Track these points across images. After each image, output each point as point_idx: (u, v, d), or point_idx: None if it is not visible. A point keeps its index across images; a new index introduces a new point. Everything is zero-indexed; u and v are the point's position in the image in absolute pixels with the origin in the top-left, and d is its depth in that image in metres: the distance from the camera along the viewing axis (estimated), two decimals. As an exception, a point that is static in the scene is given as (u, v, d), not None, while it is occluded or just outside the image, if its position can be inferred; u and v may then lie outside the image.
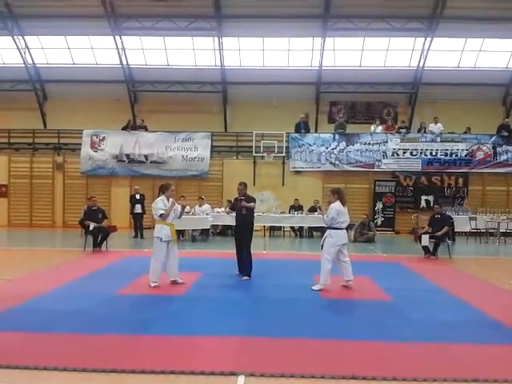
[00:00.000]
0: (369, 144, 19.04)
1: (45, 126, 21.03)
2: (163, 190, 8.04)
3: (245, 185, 9.19)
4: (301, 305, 6.78)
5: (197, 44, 19.90)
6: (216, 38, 19.35)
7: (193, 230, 15.10)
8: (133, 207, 16.19)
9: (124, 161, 19.21)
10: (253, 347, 4.92)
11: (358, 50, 19.87)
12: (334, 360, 4.56)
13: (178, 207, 8.15)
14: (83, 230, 12.82)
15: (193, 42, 19.81)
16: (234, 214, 9.35)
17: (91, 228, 12.13)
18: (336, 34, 19.23)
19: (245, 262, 8.91)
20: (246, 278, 8.77)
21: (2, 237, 16.97)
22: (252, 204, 8.87)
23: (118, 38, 19.38)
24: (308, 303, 6.90)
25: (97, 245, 12.18)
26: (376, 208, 18.72)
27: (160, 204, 7.88)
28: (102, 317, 6.03)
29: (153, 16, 18.74)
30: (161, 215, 7.85)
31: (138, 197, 16.19)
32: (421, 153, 18.98)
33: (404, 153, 18.99)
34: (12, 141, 20.44)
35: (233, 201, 9.56)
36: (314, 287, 7.67)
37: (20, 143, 20.41)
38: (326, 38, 19.16)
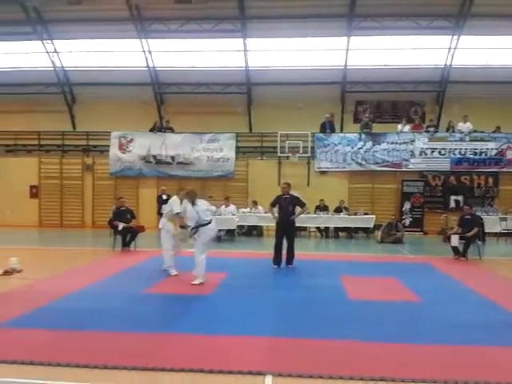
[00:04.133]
0: (396, 143, 18.77)
1: (74, 128, 21.46)
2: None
3: (288, 184, 10.35)
4: (328, 306, 6.75)
5: (221, 45, 20.00)
6: (241, 40, 19.42)
7: (218, 230, 15.13)
8: (160, 207, 16.34)
9: (151, 162, 19.45)
10: (280, 347, 4.92)
11: (383, 49, 19.65)
12: (363, 362, 4.52)
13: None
14: (112, 230, 13.03)
15: (218, 44, 19.91)
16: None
17: (120, 228, 12.33)
18: (361, 33, 19.04)
19: (291, 253, 10.08)
20: (290, 265, 10.02)
21: (33, 236, 17.40)
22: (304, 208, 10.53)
23: (144, 40, 19.64)
24: (335, 304, 6.86)
25: (125, 244, 12.38)
26: (404, 208, 18.46)
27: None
28: (130, 315, 6.12)
29: (178, 18, 18.93)
30: None
31: (164, 197, 16.33)
32: (449, 152, 18.63)
33: (432, 152, 18.67)
34: (42, 143, 20.93)
35: (275, 198, 10.39)
36: (194, 282, 7.86)
37: (50, 145, 20.87)
38: (351, 37, 19.02)
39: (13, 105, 21.13)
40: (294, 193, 10.54)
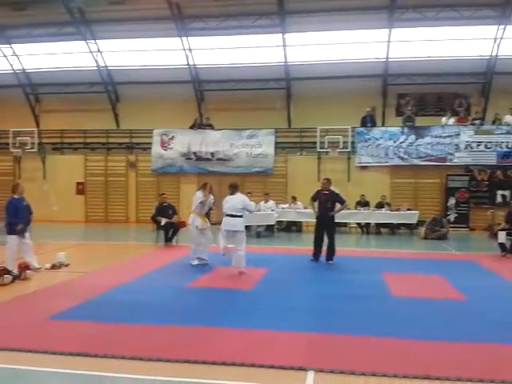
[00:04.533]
0: (440, 137, 18.24)
1: (118, 126, 21.95)
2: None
3: (328, 180, 10.32)
4: (370, 302, 6.66)
5: (261, 41, 19.96)
6: (280, 35, 19.32)
7: (258, 226, 15.22)
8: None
9: (192, 158, 19.71)
10: (322, 344, 4.90)
11: (426, 41, 19.11)
12: (406, 359, 4.45)
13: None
14: (155, 226, 13.30)
15: (257, 40, 19.87)
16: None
17: (163, 223, 12.61)
18: (403, 25, 18.58)
19: (331, 249, 9.95)
20: (330, 262, 9.88)
21: (79, 231, 17.98)
22: (344, 205, 10.34)
23: (184, 38, 19.85)
24: (378, 301, 6.77)
25: (168, 239, 12.64)
26: (448, 204, 17.95)
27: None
28: (174, 309, 6.25)
29: (217, 16, 19.01)
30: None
31: (205, 193, 16.52)
32: (496, 145, 17.96)
33: (478, 145, 18.05)
34: (88, 141, 21.56)
35: (315, 193, 10.37)
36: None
37: (95, 143, 21.46)
38: (393, 29, 18.60)
39: (59, 104, 21.82)
40: (334, 189, 10.42)
